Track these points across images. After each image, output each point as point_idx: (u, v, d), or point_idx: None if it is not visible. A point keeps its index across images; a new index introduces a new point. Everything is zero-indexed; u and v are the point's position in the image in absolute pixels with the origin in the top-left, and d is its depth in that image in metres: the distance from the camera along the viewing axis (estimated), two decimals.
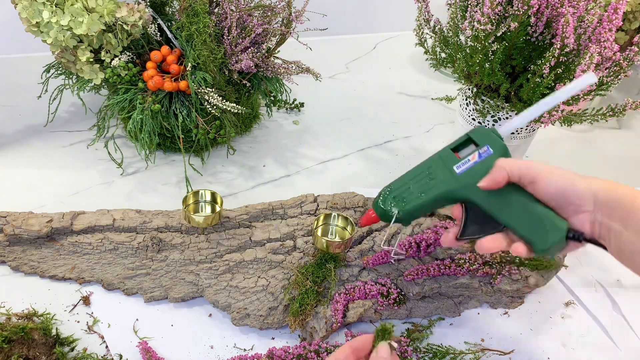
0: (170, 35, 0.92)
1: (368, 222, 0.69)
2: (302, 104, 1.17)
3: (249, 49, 0.90)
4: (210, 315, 0.74)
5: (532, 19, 0.77)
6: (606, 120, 0.81)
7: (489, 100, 0.86)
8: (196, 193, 0.80)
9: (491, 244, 0.59)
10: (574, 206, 0.55)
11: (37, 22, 0.80)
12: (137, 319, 0.72)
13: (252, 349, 0.71)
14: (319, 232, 0.78)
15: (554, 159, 1.11)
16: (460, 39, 0.85)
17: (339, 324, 0.71)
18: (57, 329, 0.69)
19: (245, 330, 0.73)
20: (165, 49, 0.89)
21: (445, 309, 0.76)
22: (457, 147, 0.66)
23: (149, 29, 0.89)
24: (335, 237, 0.78)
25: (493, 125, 0.89)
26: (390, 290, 0.74)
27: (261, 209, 0.82)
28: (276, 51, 0.97)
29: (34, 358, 0.64)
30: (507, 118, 0.87)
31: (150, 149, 0.90)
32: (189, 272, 0.75)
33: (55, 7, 0.80)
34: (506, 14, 0.77)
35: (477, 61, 0.79)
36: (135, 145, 0.93)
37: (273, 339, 0.72)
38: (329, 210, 0.83)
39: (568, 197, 0.55)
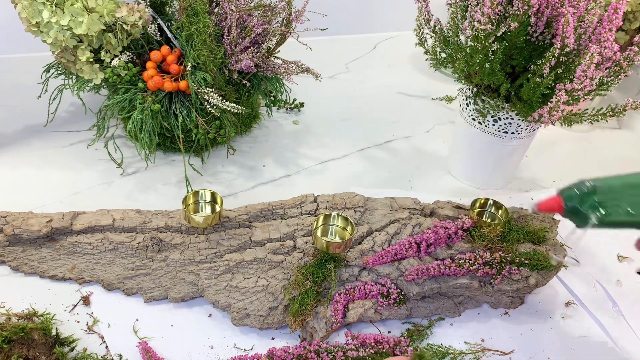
0: (170, 35, 0.92)
1: (548, 210, 0.62)
2: (302, 104, 1.17)
3: (249, 49, 0.90)
4: (210, 315, 0.74)
5: (532, 19, 0.77)
6: (606, 120, 0.81)
7: (489, 100, 0.86)
8: (196, 193, 0.80)
9: None
10: None
11: (37, 22, 0.80)
12: (137, 319, 0.72)
13: (252, 349, 0.71)
14: (319, 233, 0.78)
15: (554, 159, 1.11)
16: (460, 39, 0.85)
17: (339, 324, 0.71)
18: (57, 329, 0.69)
19: (245, 330, 0.73)
20: (165, 49, 0.89)
21: (445, 309, 0.76)
22: None
23: (149, 29, 0.89)
24: (335, 237, 0.78)
25: (493, 125, 0.89)
26: (390, 290, 0.74)
27: (261, 209, 0.82)
28: (276, 51, 0.97)
29: (34, 358, 0.64)
30: (507, 118, 0.87)
31: (150, 149, 0.90)
32: (189, 272, 0.75)
33: (55, 7, 0.80)
34: (506, 14, 0.77)
35: (477, 61, 0.79)
36: (135, 145, 0.93)
37: (273, 339, 0.72)
38: (329, 211, 0.83)
39: None
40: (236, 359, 0.67)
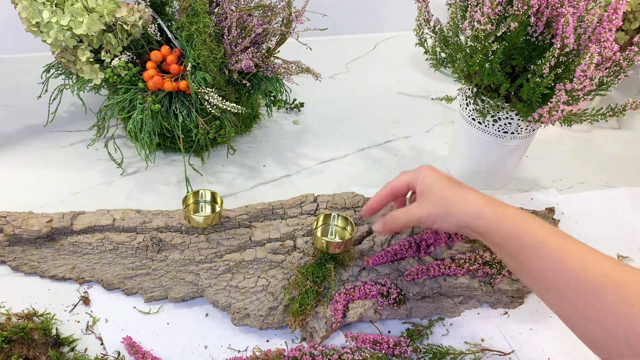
0: (170, 35, 0.92)
1: None
2: (302, 104, 1.17)
3: (249, 49, 0.90)
4: (207, 315, 0.74)
5: (532, 19, 0.77)
6: (606, 120, 0.81)
7: (489, 100, 0.86)
8: (196, 193, 0.80)
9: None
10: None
11: (37, 22, 0.80)
12: (136, 319, 0.72)
13: (246, 350, 0.70)
14: (319, 233, 0.78)
15: (554, 159, 1.11)
16: (460, 39, 0.85)
17: (338, 324, 0.71)
18: (57, 329, 0.69)
19: (241, 331, 0.73)
20: (165, 49, 0.89)
21: (445, 309, 0.76)
22: None
23: (149, 29, 0.89)
24: (335, 237, 0.78)
25: (493, 125, 0.89)
26: (390, 290, 0.74)
27: (261, 209, 0.82)
28: (276, 51, 0.97)
29: (34, 358, 0.64)
30: (507, 118, 0.87)
31: (150, 149, 0.90)
32: (189, 272, 0.75)
33: (55, 7, 0.80)
34: (506, 14, 0.77)
35: (477, 61, 0.79)
36: (135, 145, 0.93)
37: (268, 341, 0.72)
38: (328, 211, 0.83)
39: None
40: None
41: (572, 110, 0.82)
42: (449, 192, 0.63)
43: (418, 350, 0.71)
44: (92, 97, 1.06)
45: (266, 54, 0.95)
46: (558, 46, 0.73)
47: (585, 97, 0.76)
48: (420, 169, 0.68)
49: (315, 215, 0.83)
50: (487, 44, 0.77)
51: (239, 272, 0.75)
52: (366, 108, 1.21)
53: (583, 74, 0.71)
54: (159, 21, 0.92)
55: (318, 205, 0.84)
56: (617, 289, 0.49)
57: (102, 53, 0.86)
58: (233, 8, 0.90)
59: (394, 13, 1.52)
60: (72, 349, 0.68)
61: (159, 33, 0.91)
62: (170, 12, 0.97)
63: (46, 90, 0.95)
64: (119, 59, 0.86)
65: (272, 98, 1.07)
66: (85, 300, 0.73)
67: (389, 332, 0.74)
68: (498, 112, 0.87)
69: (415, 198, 0.68)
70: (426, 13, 0.86)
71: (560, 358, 0.73)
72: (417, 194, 0.67)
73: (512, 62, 0.82)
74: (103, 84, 0.90)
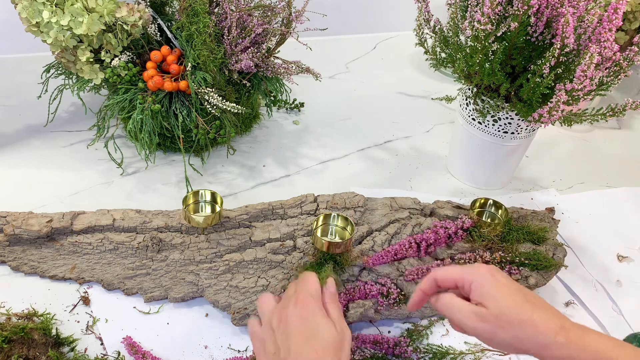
0: (170, 35, 0.92)
1: None
2: (302, 104, 1.17)
3: (249, 49, 0.90)
4: (207, 315, 0.74)
5: (532, 19, 0.77)
6: (606, 120, 0.81)
7: (489, 100, 0.86)
8: (196, 193, 0.80)
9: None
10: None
11: (37, 22, 0.80)
12: (136, 319, 0.72)
13: (246, 350, 0.70)
14: (319, 233, 0.78)
15: (554, 159, 1.11)
16: (460, 39, 0.85)
17: None
18: (57, 329, 0.69)
19: (240, 330, 0.73)
20: (165, 49, 0.89)
21: None
22: None
23: (149, 29, 0.89)
24: (335, 237, 0.78)
25: (493, 125, 0.89)
26: (390, 290, 0.74)
27: (261, 209, 0.82)
28: (276, 51, 0.97)
29: (34, 358, 0.64)
30: (507, 118, 0.87)
31: (150, 149, 0.90)
32: (189, 272, 0.75)
33: (55, 7, 0.80)
34: (506, 14, 0.77)
35: (477, 61, 0.79)
36: (135, 145, 0.93)
37: None
38: (329, 211, 0.83)
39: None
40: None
41: (572, 110, 0.82)
42: (517, 313, 0.51)
43: (418, 350, 0.71)
44: (92, 97, 1.06)
45: (266, 54, 0.95)
46: (558, 46, 0.73)
47: (585, 97, 0.76)
48: (477, 268, 0.55)
49: (315, 215, 0.83)
50: (487, 44, 0.77)
51: (239, 272, 0.75)
52: (366, 108, 1.21)
53: (583, 74, 0.71)
54: (159, 21, 0.92)
55: (318, 205, 0.84)
56: None
57: (102, 53, 0.86)
58: (233, 8, 0.90)
59: (394, 13, 1.52)
60: (72, 349, 0.68)
61: (159, 33, 0.91)
62: (170, 12, 0.97)
63: (46, 90, 0.95)
64: (119, 59, 0.86)
65: (272, 98, 1.07)
66: (85, 300, 0.73)
67: (389, 332, 0.74)
68: (498, 112, 0.87)
69: (469, 295, 0.55)
70: (426, 13, 0.86)
71: None
72: (472, 299, 0.54)
73: (512, 62, 0.82)
74: (103, 84, 0.90)
